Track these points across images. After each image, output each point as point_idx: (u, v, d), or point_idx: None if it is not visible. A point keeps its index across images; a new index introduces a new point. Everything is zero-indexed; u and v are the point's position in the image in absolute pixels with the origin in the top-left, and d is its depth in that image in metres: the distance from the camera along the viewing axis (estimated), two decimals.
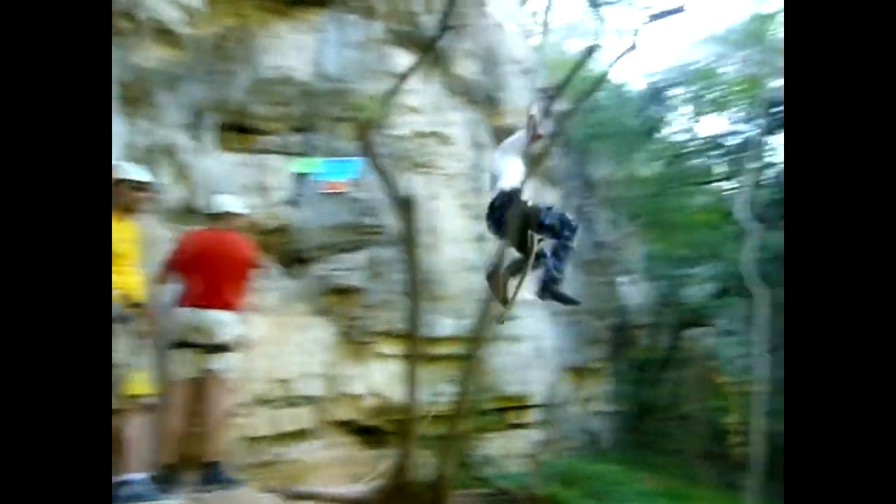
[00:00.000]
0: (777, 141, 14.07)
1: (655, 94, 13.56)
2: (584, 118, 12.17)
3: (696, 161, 13.94)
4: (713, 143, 13.82)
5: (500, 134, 8.89)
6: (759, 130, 13.52)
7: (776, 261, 11.40)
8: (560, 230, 3.86)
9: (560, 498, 7.43)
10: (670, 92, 13.59)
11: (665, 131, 13.86)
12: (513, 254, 4.05)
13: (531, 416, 8.91)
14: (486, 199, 4.10)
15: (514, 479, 7.47)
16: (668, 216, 12.15)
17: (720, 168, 13.79)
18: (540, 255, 3.93)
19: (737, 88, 13.32)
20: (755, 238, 10.25)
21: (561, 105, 9.35)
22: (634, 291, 13.41)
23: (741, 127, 13.77)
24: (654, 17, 6.11)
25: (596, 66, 10.22)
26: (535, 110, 4.36)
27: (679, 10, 4.71)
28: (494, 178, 4.15)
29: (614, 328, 12.45)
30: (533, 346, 8.76)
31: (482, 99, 8.81)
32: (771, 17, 13.22)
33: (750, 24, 13.36)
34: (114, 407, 3.14)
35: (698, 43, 13.89)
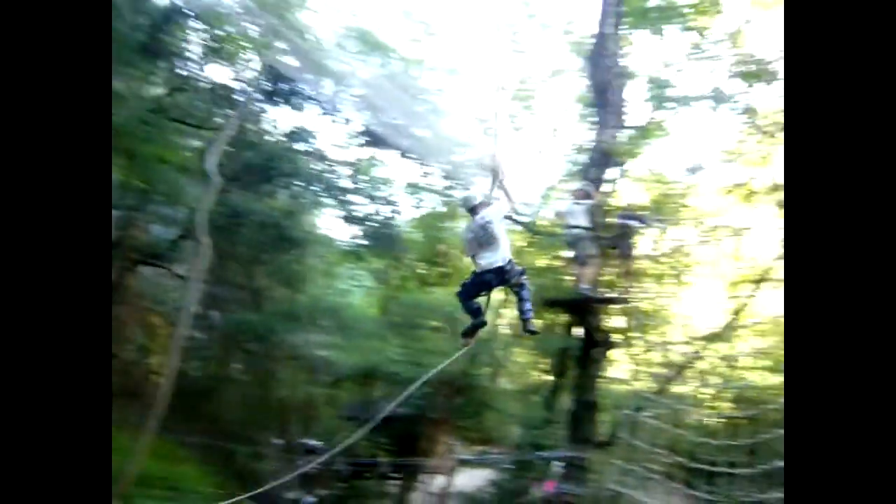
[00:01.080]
0: (273, 109, 14.94)
1: (165, 16, 12.59)
2: None
3: (186, 100, 13.54)
4: (209, 89, 13.68)
5: None
6: (253, 91, 14.09)
7: (232, 216, 12.04)
8: (524, 284, 5.55)
9: None
10: (179, 20, 12.84)
11: (165, 58, 12.97)
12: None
13: None
14: (489, 261, 5.37)
15: None
16: (140, 146, 11.35)
17: (208, 116, 13.75)
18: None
19: (244, 46, 13.53)
20: (215, 191, 10.53)
21: None
22: None
23: (239, 84, 14.08)
24: None
25: None
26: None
27: None
28: (493, 240, 5.32)
29: None
30: None
31: None
32: None
33: None
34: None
35: None
